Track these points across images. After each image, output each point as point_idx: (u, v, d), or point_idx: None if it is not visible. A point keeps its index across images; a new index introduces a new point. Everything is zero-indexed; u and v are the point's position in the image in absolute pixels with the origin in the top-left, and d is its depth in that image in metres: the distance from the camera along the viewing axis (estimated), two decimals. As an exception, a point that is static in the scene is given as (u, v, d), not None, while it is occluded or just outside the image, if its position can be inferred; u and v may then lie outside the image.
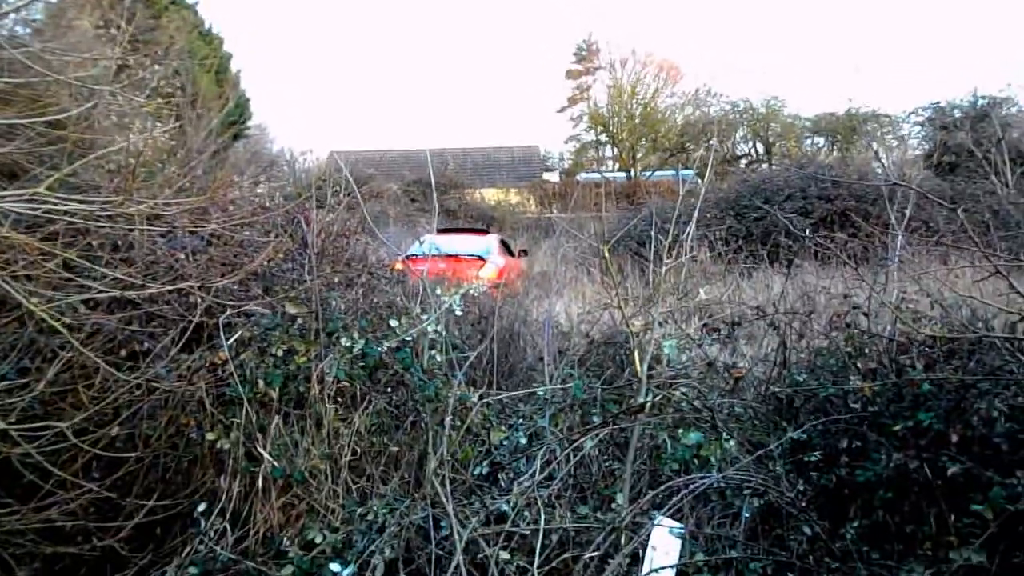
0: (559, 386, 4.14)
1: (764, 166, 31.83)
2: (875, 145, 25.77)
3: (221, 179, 4.24)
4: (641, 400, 3.62)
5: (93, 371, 3.68)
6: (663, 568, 2.95)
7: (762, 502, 3.48)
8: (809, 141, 34.84)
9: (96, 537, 3.38)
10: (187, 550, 3.38)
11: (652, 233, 5.05)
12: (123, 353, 4.03)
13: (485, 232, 16.69)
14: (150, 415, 3.75)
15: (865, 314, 4.36)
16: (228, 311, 3.81)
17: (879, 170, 17.15)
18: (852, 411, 3.88)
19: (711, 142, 31.68)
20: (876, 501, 3.51)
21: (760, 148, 35.49)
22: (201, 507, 3.39)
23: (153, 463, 3.70)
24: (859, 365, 4.06)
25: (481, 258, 13.39)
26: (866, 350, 4.15)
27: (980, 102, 24.47)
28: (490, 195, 31.88)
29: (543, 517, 2.95)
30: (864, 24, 60.18)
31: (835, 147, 32.52)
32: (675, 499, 3.05)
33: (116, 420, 3.64)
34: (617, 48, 40.52)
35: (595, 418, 3.88)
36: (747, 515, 3.37)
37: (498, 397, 4.06)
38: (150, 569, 3.45)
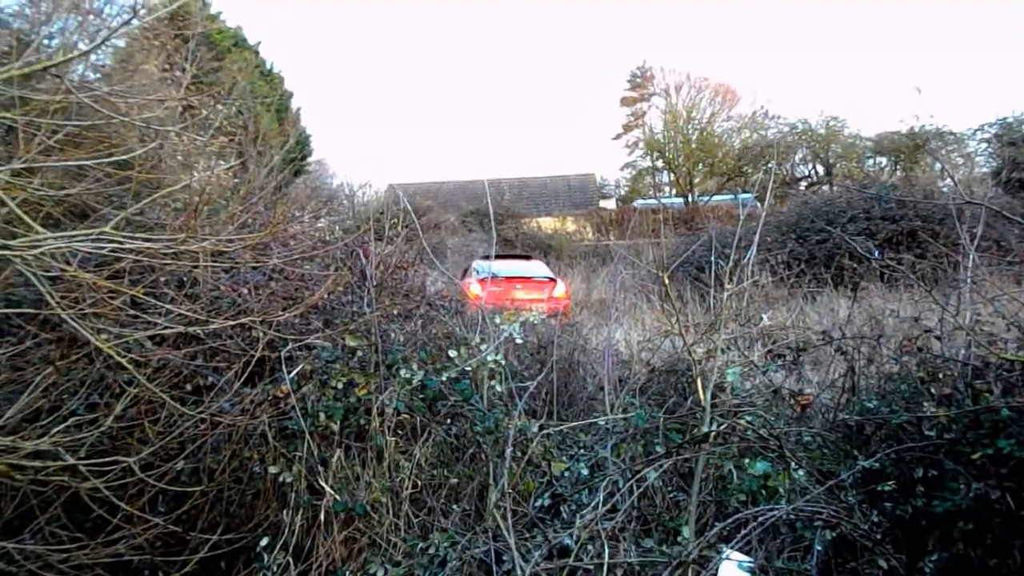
0: (620, 416, 4.07)
1: (825, 188, 31.29)
2: (944, 162, 25.06)
3: (281, 215, 4.30)
4: (705, 429, 3.53)
5: (159, 406, 3.74)
6: (733, 604, 2.86)
7: (835, 534, 3.36)
8: (871, 161, 34.11)
9: (162, 571, 3.41)
10: (251, 584, 3.39)
11: (712, 258, 4.96)
12: (188, 388, 4.09)
13: (529, 257, 16.83)
14: (214, 449, 3.79)
15: (938, 337, 4.21)
16: (290, 344, 3.84)
17: (946, 189, 16.69)
18: (927, 439, 3.74)
19: (770, 165, 31.26)
20: (956, 533, 3.36)
21: (820, 169, 34.90)
22: (264, 541, 3.40)
23: (217, 497, 3.73)
24: (933, 391, 3.92)
25: (552, 279, 13.52)
26: (940, 375, 4.00)
27: (1050, 116, 23.72)
28: (547, 224, 31.92)
29: (607, 551, 2.88)
30: (926, 40, 59.06)
31: (898, 167, 31.78)
32: (744, 532, 2.96)
33: (181, 454, 3.69)
34: (672, 73, 40.22)
35: (658, 448, 3.80)
36: (819, 548, 3.25)
37: (559, 428, 4.00)
38: (215, 603, 3.47)
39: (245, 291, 4.39)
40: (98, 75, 7.17)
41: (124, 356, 3.10)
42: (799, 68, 61.21)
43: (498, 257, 14.68)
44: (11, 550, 3.10)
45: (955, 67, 53.76)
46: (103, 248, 2.74)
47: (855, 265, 12.72)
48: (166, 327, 3.32)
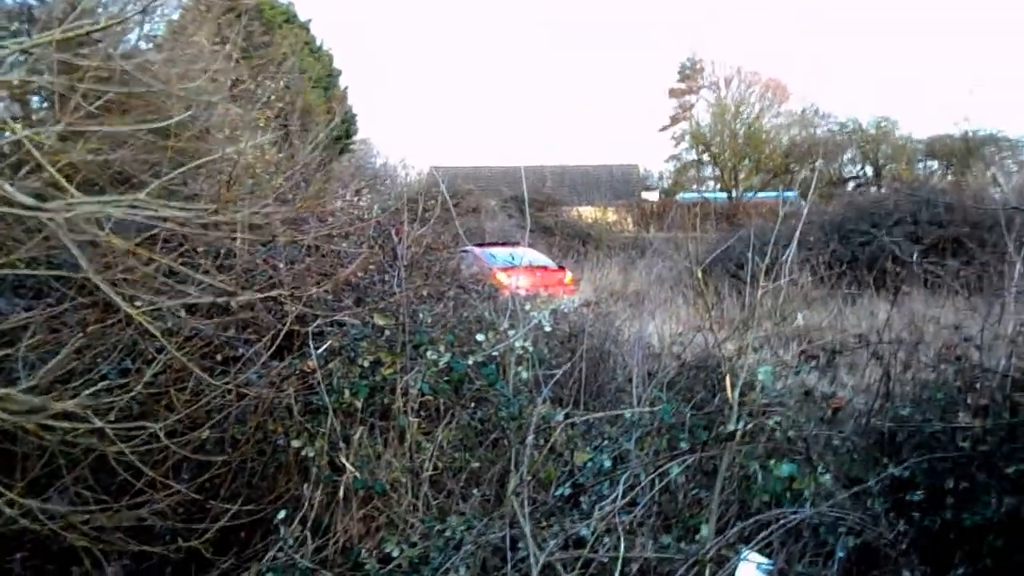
0: (647, 409, 4.02)
1: (873, 189, 30.76)
2: (995, 167, 24.49)
3: (317, 190, 4.30)
4: (731, 427, 3.47)
5: (188, 374, 3.77)
6: (749, 606, 2.82)
7: (858, 541, 3.29)
8: (922, 164, 33.45)
9: (182, 538, 3.44)
10: (269, 555, 3.40)
11: (750, 255, 4.88)
12: (218, 358, 4.13)
13: (517, 243, 17.00)
14: (239, 420, 3.82)
15: (977, 347, 4.10)
16: (318, 320, 3.85)
17: (998, 195, 16.30)
18: (960, 450, 3.65)
19: (816, 163, 30.79)
20: (984, 548, 3.27)
21: (869, 170, 34.31)
22: (281, 514, 3.41)
23: (240, 467, 3.76)
24: (969, 401, 3.82)
25: (562, 267, 14.13)
26: (977, 385, 3.89)
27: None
28: (587, 213, 31.77)
29: (623, 544, 2.85)
30: (983, 42, 57.64)
31: (950, 171, 31.12)
32: (764, 533, 2.91)
33: (207, 423, 3.72)
34: (722, 67, 39.74)
35: (683, 443, 3.75)
36: (841, 555, 3.19)
37: (583, 418, 3.96)
38: (232, 572, 3.50)
39: (281, 265, 4.41)
40: (150, 46, 7.23)
41: (154, 323, 3.12)
42: (852, 66, 60.11)
43: (487, 245, 14.99)
44: (35, 509, 3.14)
45: (1013, 70, 52.39)
46: (137, 215, 2.75)
47: (898, 269, 12.50)
48: (198, 297, 3.34)
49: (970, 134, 29.05)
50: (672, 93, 42.96)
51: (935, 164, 33.09)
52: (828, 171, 33.18)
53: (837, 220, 15.83)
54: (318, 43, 27.67)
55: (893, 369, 4.64)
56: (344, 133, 27.88)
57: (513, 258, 12.32)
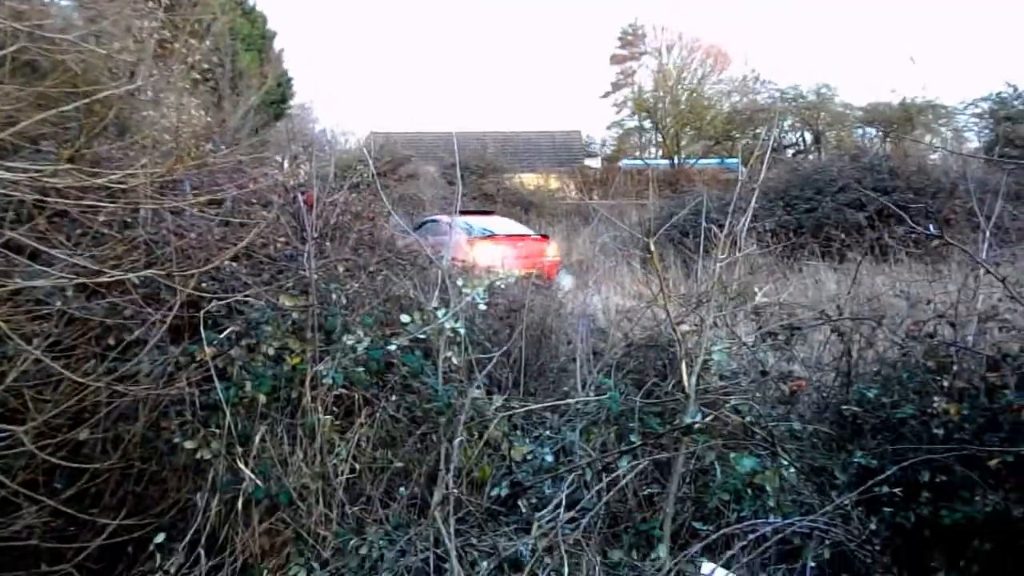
0: (593, 398, 3.61)
1: (811, 156, 30.81)
2: (934, 137, 24.63)
3: (194, 149, 3.75)
4: (688, 420, 3.08)
5: (69, 363, 3.24)
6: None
7: (828, 544, 2.93)
8: (860, 131, 33.61)
9: (48, 562, 2.93)
10: (155, 578, 2.91)
11: (702, 224, 4.48)
12: (111, 341, 3.58)
13: (492, 212, 16.32)
14: (125, 417, 3.29)
15: (952, 323, 3.75)
16: (215, 302, 3.32)
17: (940, 162, 16.23)
18: (935, 438, 3.31)
19: (764, 130, 30.64)
20: (969, 552, 2.93)
21: (808, 137, 34.39)
22: (159, 537, 2.90)
23: (125, 474, 3.24)
24: (946, 383, 3.47)
25: (544, 236, 13.18)
26: (953, 366, 3.54)
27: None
28: (529, 180, 31.24)
29: (567, 566, 2.43)
30: (922, 10, 58.20)
31: (888, 138, 31.30)
32: (731, 552, 2.52)
33: (87, 422, 3.19)
34: (664, 32, 39.30)
35: (632, 437, 3.35)
36: (812, 565, 2.82)
37: (522, 409, 3.52)
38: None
39: (173, 238, 3.86)
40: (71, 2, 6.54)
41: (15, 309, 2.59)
42: (792, 32, 60.27)
43: (465, 213, 14.10)
44: None
45: (952, 35, 53.08)
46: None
47: (843, 236, 12.34)
48: (58, 277, 2.80)
49: (908, 101, 29.24)
50: (614, 59, 42.45)
51: (872, 131, 33.27)
52: (768, 138, 33.09)
53: (781, 187, 15.58)
54: (251, 3, 26.49)
55: (854, 346, 4.28)
56: (280, 97, 26.86)
57: (471, 227, 11.70)
